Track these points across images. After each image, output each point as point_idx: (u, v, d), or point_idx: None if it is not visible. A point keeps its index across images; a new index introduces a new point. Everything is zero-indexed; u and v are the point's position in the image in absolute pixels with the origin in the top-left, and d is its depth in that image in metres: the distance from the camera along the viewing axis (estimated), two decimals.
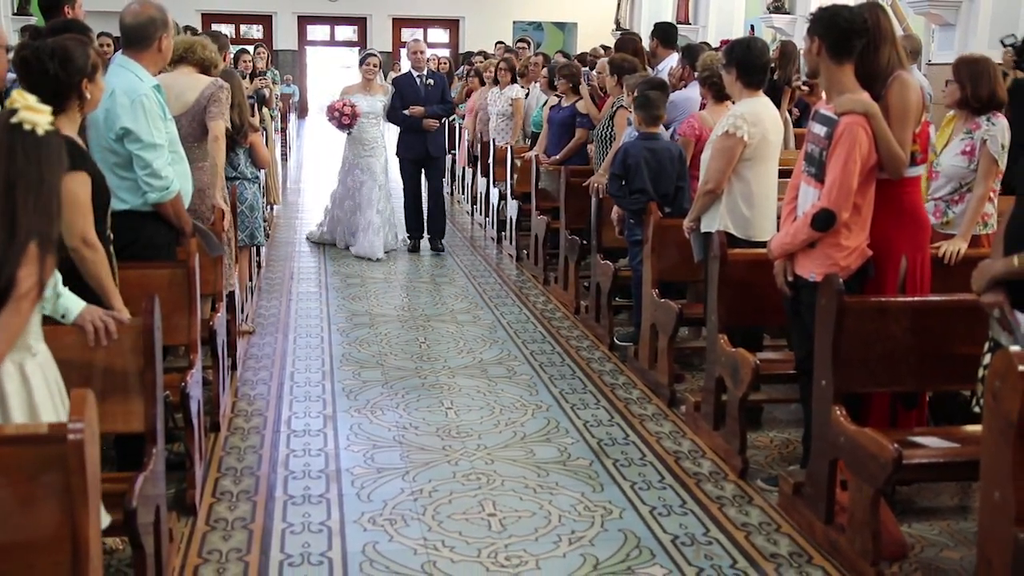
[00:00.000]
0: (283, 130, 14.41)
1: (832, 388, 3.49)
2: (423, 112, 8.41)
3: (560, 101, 8.04)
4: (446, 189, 10.48)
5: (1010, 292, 2.96)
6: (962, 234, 4.47)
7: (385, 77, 11.54)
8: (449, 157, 11.50)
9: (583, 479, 4.06)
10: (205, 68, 5.18)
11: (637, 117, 5.56)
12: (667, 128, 5.84)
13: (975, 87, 4.58)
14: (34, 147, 2.15)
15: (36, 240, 2.20)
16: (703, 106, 5.74)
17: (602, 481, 4.05)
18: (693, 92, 6.08)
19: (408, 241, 8.86)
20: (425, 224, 8.85)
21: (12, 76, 3.93)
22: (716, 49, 6.68)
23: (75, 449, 2.10)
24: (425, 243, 8.83)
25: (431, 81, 8.59)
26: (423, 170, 8.75)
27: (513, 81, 9.63)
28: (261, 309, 6.70)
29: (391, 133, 8.89)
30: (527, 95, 9.63)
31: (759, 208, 4.65)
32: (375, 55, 8.68)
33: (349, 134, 8.44)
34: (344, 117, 8.13)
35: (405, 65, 10.28)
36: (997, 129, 4.56)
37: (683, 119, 5.71)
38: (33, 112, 2.17)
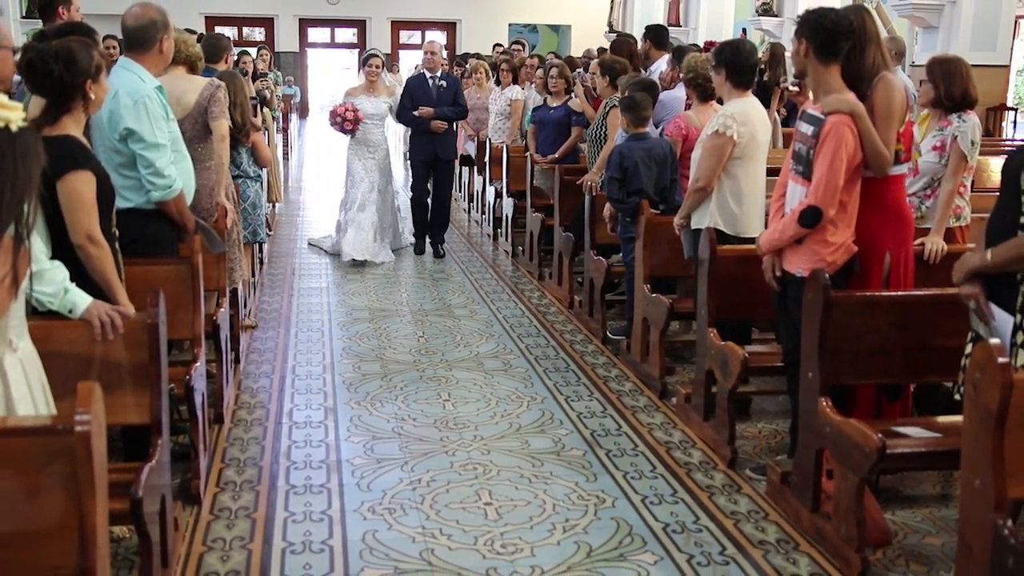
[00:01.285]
0: (284, 130, 14.47)
1: (818, 380, 3.56)
2: (431, 113, 8.21)
3: (546, 100, 8.10)
4: None
5: (987, 285, 3.05)
6: (936, 229, 4.53)
7: None
8: None
9: (577, 469, 4.14)
10: (192, 65, 5.22)
11: (624, 119, 5.63)
12: (656, 127, 5.93)
13: (948, 86, 4.66)
14: (8, 142, 2.13)
15: (11, 232, 2.16)
16: (688, 106, 5.82)
17: (595, 471, 4.12)
18: (681, 92, 6.17)
19: (414, 241, 8.70)
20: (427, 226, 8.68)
21: (18, 78, 4.01)
22: (701, 50, 6.78)
23: (82, 440, 2.14)
24: (426, 246, 8.71)
25: (443, 83, 8.37)
26: (432, 172, 8.51)
27: (514, 82, 9.58)
28: (263, 304, 6.78)
29: (396, 133, 8.70)
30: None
31: (748, 205, 4.73)
32: (377, 55, 8.30)
33: (352, 137, 8.22)
34: (347, 123, 7.90)
35: (404, 67, 10.23)
36: (967, 126, 4.63)
37: (670, 119, 5.79)
38: (5, 109, 2.15)
